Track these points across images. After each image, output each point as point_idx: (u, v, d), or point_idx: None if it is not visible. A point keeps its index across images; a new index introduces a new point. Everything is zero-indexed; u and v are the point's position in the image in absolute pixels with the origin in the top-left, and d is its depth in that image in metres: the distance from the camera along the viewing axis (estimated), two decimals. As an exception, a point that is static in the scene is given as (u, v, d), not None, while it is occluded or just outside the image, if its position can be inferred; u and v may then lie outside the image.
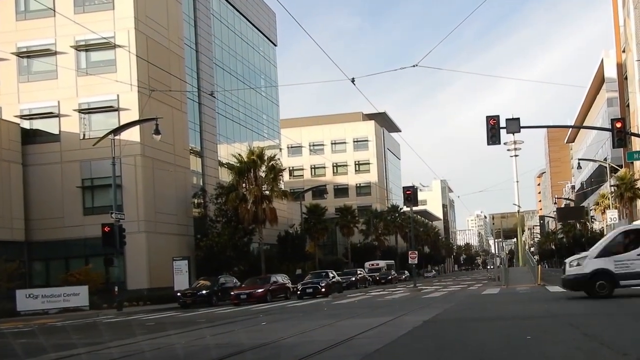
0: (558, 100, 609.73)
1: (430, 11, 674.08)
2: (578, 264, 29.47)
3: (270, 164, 70.36)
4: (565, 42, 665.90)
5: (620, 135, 39.79)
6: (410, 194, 61.40)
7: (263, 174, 69.96)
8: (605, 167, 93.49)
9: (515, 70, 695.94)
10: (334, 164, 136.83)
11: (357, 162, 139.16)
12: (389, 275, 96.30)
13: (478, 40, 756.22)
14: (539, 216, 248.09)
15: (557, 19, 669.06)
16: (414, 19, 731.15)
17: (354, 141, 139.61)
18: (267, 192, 69.91)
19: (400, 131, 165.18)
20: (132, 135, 56.91)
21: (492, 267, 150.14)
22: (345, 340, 17.71)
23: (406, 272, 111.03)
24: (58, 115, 61.13)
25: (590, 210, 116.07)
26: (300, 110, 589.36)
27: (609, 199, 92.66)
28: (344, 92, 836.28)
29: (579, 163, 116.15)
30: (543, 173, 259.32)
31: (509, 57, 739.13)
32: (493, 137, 39.72)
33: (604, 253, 28.94)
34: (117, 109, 60.00)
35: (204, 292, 50.54)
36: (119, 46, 59.19)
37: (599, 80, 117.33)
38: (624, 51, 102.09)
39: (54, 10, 56.89)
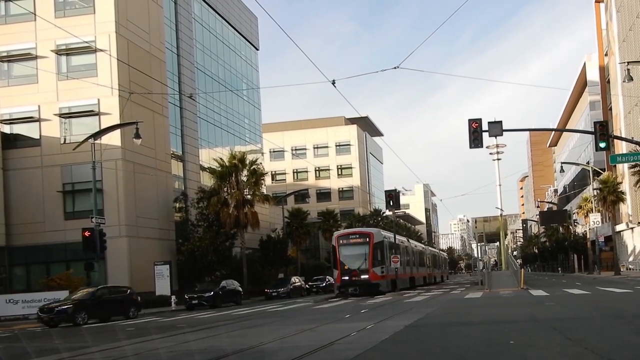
0: (543, 105, 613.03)
1: (426, 17, 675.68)
2: None
3: (252, 168, 70.31)
4: (554, 47, 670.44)
5: (603, 138, 39.82)
6: (392, 198, 61.35)
7: (245, 178, 69.89)
8: (588, 171, 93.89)
9: (503, 76, 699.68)
10: (317, 168, 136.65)
11: (339, 167, 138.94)
12: (323, 282, 79.47)
13: (470, 46, 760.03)
14: (522, 220, 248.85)
15: (549, 24, 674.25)
16: (410, 25, 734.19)
17: (336, 145, 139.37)
18: (249, 197, 69.84)
19: (382, 135, 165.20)
20: (113, 139, 56.65)
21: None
22: (326, 345, 17.57)
23: None
24: (39, 120, 60.65)
25: (573, 213, 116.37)
26: (287, 115, 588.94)
27: (591, 203, 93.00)
28: (332, 97, 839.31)
29: (561, 166, 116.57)
30: (526, 177, 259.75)
31: (498, 63, 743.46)
32: (475, 140, 39.70)
33: None
34: (98, 113, 59.51)
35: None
36: (100, 50, 58.78)
37: (582, 84, 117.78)
38: (606, 54, 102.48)
39: (35, 14, 56.57)
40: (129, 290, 45.15)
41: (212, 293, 52.94)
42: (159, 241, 64.11)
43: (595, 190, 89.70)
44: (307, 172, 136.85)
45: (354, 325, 23.09)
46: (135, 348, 20.52)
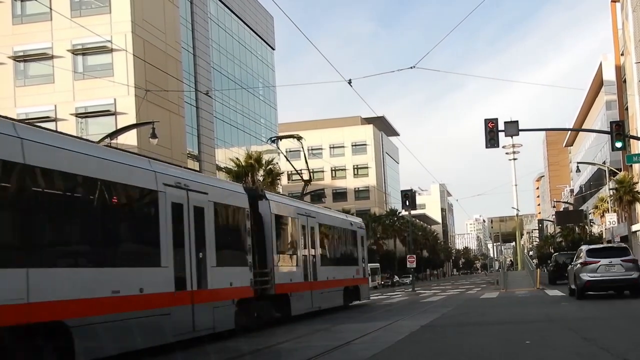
0: (559, 104, 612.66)
1: (444, 17, 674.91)
2: None
3: (268, 167, 70.11)
4: (570, 48, 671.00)
5: (619, 137, 39.66)
6: (408, 198, 61.31)
7: (261, 178, 69.66)
8: (604, 171, 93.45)
9: (520, 76, 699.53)
10: (333, 168, 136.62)
11: (355, 166, 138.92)
12: None
13: (487, 47, 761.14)
14: (538, 220, 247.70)
15: (566, 25, 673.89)
16: (428, 25, 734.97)
17: (353, 145, 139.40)
18: (265, 196, 69.58)
19: (398, 135, 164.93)
20: (129, 139, 56.45)
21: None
22: (341, 345, 17.57)
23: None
24: (55, 120, 60.58)
25: (589, 213, 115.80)
26: (304, 115, 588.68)
27: (607, 203, 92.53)
28: (348, 97, 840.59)
29: (577, 166, 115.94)
30: (542, 177, 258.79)
31: (515, 63, 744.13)
32: (491, 140, 39.54)
33: None
34: (114, 113, 59.63)
35: None
36: (116, 50, 58.81)
37: (598, 84, 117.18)
38: (622, 54, 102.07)
39: (51, 10, 56.55)
40: None
41: None
42: (174, 241, 63.99)
43: (611, 190, 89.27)
44: (323, 172, 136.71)
45: (370, 325, 23.04)
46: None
